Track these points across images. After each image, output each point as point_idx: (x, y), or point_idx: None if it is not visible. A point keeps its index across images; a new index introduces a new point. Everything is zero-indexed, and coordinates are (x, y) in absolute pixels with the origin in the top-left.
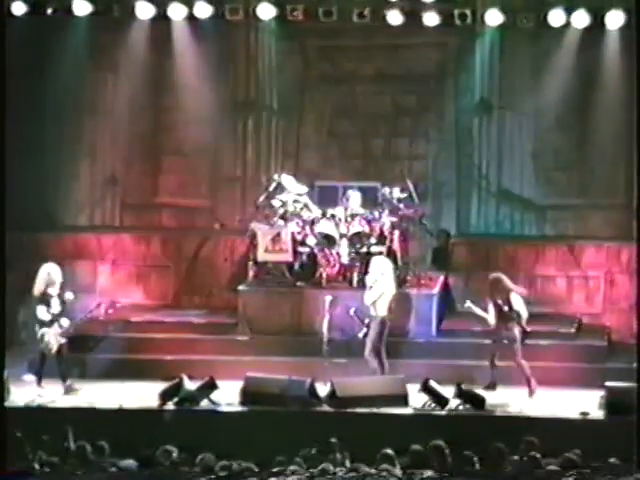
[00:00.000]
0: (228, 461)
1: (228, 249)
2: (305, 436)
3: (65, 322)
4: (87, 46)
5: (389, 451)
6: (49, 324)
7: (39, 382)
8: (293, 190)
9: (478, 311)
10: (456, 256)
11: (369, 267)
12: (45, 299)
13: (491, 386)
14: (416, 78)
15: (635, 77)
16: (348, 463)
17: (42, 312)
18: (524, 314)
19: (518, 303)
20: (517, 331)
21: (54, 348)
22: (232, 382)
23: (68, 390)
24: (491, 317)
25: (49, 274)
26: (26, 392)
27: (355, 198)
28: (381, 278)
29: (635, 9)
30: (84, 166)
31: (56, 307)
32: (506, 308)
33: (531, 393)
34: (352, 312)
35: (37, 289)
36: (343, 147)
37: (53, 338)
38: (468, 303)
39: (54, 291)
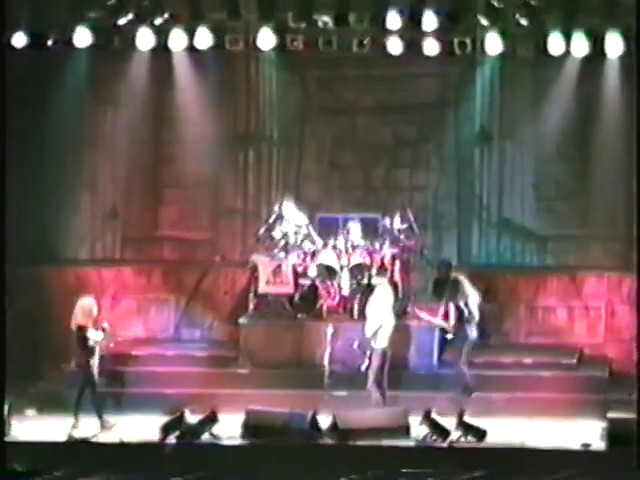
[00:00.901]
0: None
1: (229, 282)
2: (307, 469)
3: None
4: (87, 78)
5: None
6: (91, 355)
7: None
8: (293, 221)
9: (425, 316)
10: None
11: (370, 298)
12: (82, 332)
13: (467, 391)
14: (416, 108)
15: (635, 107)
16: None
17: (83, 344)
18: (477, 317)
19: (474, 306)
20: (471, 333)
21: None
22: (233, 415)
23: (104, 426)
24: (452, 319)
25: (86, 307)
26: (27, 426)
27: (355, 229)
28: (381, 309)
29: (635, 37)
30: (84, 199)
31: (95, 338)
32: (466, 311)
33: (468, 393)
34: (355, 346)
35: (74, 322)
36: (343, 178)
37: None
38: (412, 308)
39: (90, 323)
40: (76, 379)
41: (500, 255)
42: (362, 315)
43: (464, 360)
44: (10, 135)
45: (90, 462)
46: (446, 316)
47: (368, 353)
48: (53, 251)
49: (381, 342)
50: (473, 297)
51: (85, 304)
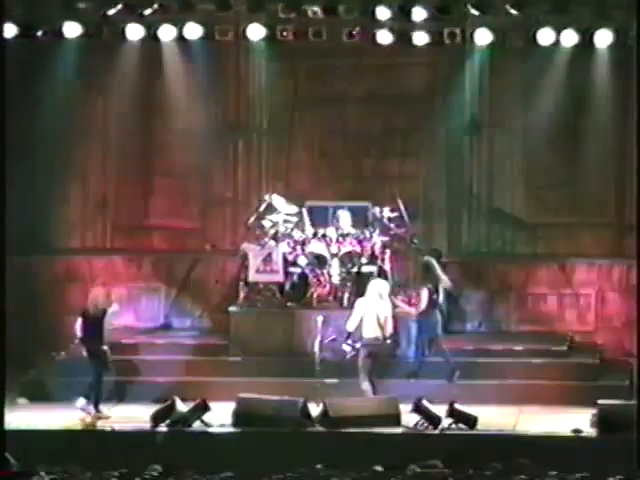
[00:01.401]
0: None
1: (219, 270)
2: (298, 456)
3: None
4: (77, 68)
5: (379, 468)
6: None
7: (97, 405)
8: (283, 209)
9: (398, 303)
10: (447, 275)
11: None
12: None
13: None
14: (406, 98)
15: (636, 100)
16: None
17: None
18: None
19: (442, 290)
20: (439, 316)
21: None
22: (224, 403)
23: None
24: (423, 301)
25: (102, 294)
26: (18, 416)
27: (345, 218)
28: (366, 300)
29: (636, 35)
30: (75, 188)
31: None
32: (434, 296)
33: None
34: (329, 340)
35: (93, 306)
36: (333, 167)
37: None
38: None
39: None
40: (67, 368)
41: (490, 243)
42: (352, 303)
43: (437, 344)
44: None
45: (80, 451)
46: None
47: (356, 344)
48: (44, 240)
49: (368, 332)
50: (444, 282)
51: (101, 291)
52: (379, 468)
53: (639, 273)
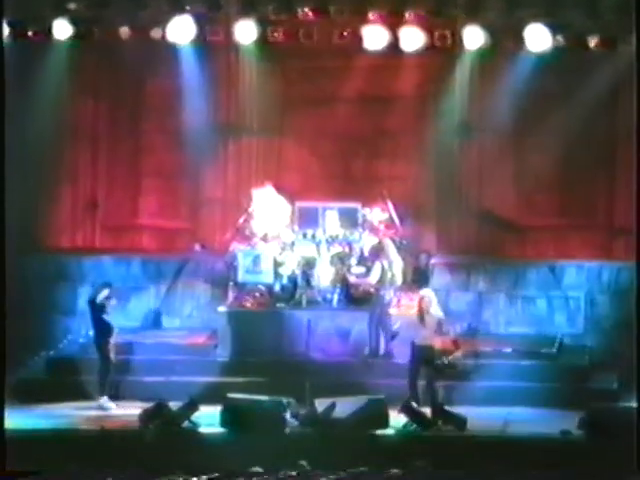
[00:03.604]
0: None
1: (208, 271)
2: (286, 457)
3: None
4: (68, 69)
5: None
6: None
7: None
8: (273, 210)
9: (354, 279)
10: (436, 277)
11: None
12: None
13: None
14: (396, 99)
15: (635, 104)
16: None
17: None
18: (398, 282)
19: (398, 271)
20: (388, 297)
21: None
22: (213, 403)
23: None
24: (375, 274)
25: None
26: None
27: (335, 219)
28: None
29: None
30: (65, 188)
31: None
32: (389, 274)
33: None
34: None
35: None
36: (323, 168)
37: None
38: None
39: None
40: (56, 367)
41: (480, 245)
42: (341, 304)
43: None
44: None
45: (71, 450)
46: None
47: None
48: (33, 240)
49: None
50: (397, 263)
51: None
52: (365, 469)
53: (639, 273)
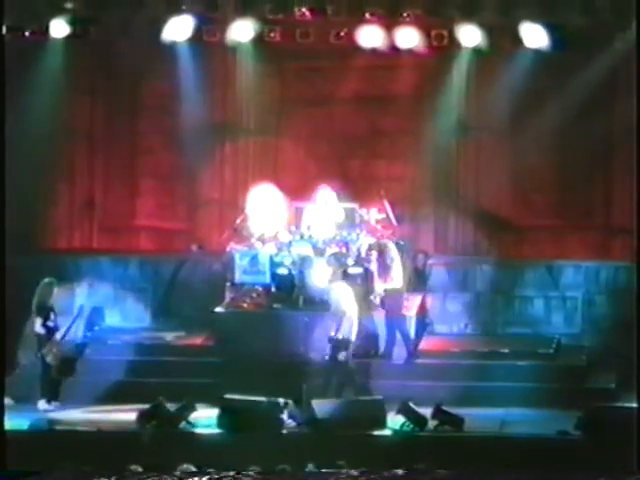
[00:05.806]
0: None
1: (205, 271)
2: (283, 458)
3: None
4: (65, 69)
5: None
6: (47, 339)
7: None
8: (270, 211)
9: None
10: (434, 277)
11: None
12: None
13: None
14: (393, 99)
15: (635, 103)
16: None
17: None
18: (399, 285)
19: (398, 273)
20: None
21: (53, 364)
22: (209, 404)
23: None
24: (399, 279)
25: (47, 288)
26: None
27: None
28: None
29: (636, 35)
30: (62, 189)
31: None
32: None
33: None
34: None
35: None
36: (320, 169)
37: (51, 355)
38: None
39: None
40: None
41: (477, 245)
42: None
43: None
44: None
45: (66, 451)
46: (422, 307)
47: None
48: (31, 241)
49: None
50: (398, 265)
51: (48, 285)
52: (364, 469)
53: (639, 274)
